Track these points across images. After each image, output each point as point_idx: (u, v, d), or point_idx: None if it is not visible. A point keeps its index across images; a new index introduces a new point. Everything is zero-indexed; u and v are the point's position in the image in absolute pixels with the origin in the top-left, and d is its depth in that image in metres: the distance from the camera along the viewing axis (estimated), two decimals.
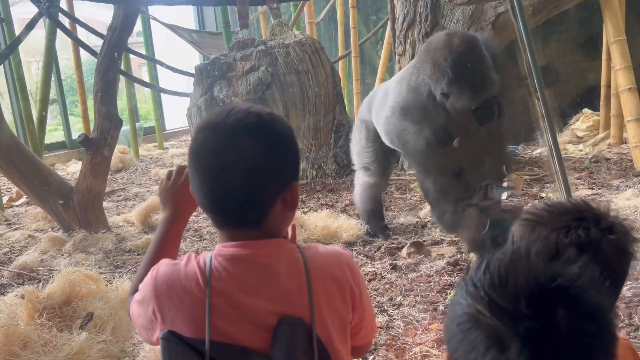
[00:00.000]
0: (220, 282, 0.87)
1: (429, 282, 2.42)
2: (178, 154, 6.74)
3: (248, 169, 0.87)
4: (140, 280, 0.96)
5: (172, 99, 7.23)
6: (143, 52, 6.52)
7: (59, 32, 4.97)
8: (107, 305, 1.95)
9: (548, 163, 4.42)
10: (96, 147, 3.16)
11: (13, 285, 2.73)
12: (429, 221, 3.30)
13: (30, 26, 3.22)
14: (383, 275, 2.53)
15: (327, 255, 0.95)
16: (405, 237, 3.04)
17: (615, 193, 3.49)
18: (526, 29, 1.73)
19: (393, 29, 4.69)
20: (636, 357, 0.95)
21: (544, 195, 3.67)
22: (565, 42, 5.34)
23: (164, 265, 0.92)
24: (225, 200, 0.89)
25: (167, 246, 1.08)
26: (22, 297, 1.88)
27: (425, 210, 3.43)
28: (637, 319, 1.94)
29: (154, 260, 1.00)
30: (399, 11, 4.51)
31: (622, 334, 1.20)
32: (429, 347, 1.88)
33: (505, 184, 2.75)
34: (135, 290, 0.99)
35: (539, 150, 4.96)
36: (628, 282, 2.17)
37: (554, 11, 4.18)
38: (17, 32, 4.79)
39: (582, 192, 3.55)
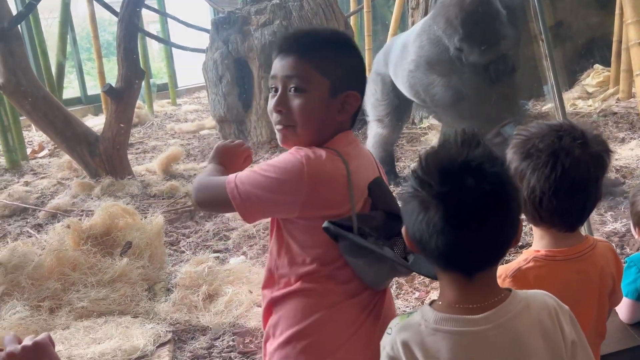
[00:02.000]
0: (351, 163, 1.00)
1: None
2: (191, 110, 6.86)
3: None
4: (208, 184, 1.07)
5: (182, 56, 7.28)
6: (156, 7, 6.55)
7: None
8: (143, 235, 2.12)
9: (554, 116, 4.52)
10: (120, 96, 3.29)
11: (48, 225, 2.92)
12: None
13: None
14: None
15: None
16: None
17: (620, 145, 3.59)
18: None
19: None
20: (616, 257, 1.10)
21: None
22: None
23: (312, 154, 0.98)
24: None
25: None
26: (68, 226, 2.06)
27: None
28: (628, 249, 2.11)
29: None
30: None
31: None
32: None
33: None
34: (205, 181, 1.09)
35: (548, 106, 5.04)
36: (624, 220, 2.32)
37: None
38: None
39: None
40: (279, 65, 1.02)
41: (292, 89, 1.00)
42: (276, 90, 1.02)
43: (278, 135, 1.06)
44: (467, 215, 0.74)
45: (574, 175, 0.99)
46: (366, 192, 1.02)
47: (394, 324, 0.83)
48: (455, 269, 0.79)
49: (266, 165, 1.01)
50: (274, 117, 1.03)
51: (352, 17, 6.05)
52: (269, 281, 1.05)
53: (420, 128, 4.49)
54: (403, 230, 0.83)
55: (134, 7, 3.23)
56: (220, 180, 1.03)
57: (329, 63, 1.01)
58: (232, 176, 1.01)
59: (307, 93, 1.00)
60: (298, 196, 0.96)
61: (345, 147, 1.03)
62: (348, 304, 1.00)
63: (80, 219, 2.66)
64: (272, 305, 1.04)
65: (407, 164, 3.65)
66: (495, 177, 0.76)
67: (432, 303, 0.83)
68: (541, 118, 4.65)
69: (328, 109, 1.02)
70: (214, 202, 1.09)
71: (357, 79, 1.06)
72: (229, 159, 1.16)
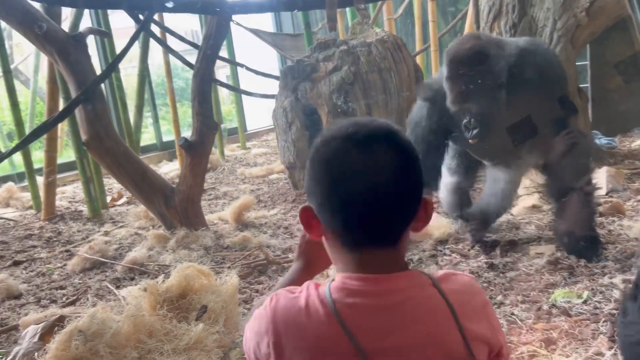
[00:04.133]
0: (353, 325, 0.80)
1: (529, 281, 2.37)
2: (260, 153, 6.97)
3: (394, 180, 0.82)
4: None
5: (250, 100, 7.48)
6: (225, 56, 6.79)
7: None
8: (219, 298, 2.08)
9: None
10: (195, 149, 3.35)
11: (126, 279, 2.97)
12: (522, 219, 3.21)
13: (132, 41, 3.46)
14: (480, 274, 2.50)
15: (464, 288, 0.88)
16: (498, 236, 2.98)
17: None
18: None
19: (477, 21, 4.58)
20: None
21: None
22: None
23: (283, 298, 0.86)
24: (368, 216, 0.82)
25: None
26: (145, 289, 2.05)
27: (519, 207, 3.34)
28: None
29: None
30: (484, 3, 4.40)
31: None
32: (537, 347, 1.85)
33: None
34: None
35: (638, 142, 4.66)
36: None
37: None
38: (114, 42, 5.18)
39: None
40: None
41: None
42: None
43: None
44: None
45: None
46: None
47: None
48: None
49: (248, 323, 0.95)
50: None
51: (418, 57, 5.98)
52: None
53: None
54: None
55: (209, 63, 3.31)
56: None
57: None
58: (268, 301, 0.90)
59: None
60: None
61: (353, 296, 0.82)
62: None
63: (156, 277, 2.68)
64: None
65: None
66: None
67: None
68: (632, 156, 4.31)
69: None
70: None
71: (310, 193, 0.89)
72: (309, 253, 1.07)
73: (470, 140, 2.49)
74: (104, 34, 4.50)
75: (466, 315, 0.84)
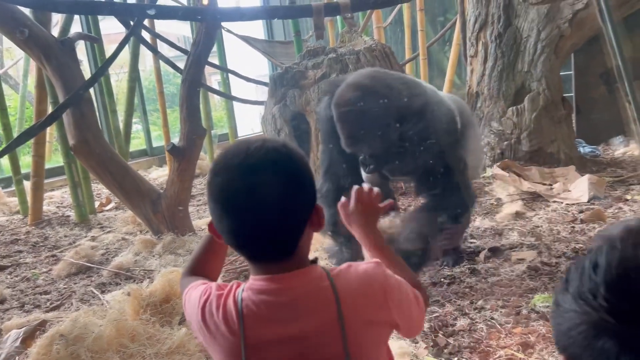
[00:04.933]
0: (251, 318, 0.90)
1: (510, 286, 2.40)
2: None
3: (278, 206, 0.88)
4: (189, 269, 1.16)
5: (240, 107, 7.50)
6: (216, 62, 6.82)
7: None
8: None
9: (634, 164, 4.22)
10: (182, 154, 3.37)
11: (112, 284, 2.97)
12: (505, 225, 3.26)
13: (122, 45, 3.48)
14: (462, 279, 2.54)
15: (358, 280, 0.94)
16: (482, 242, 3.02)
17: None
18: (615, 30, 1.68)
19: (464, 31, 4.65)
20: None
21: (628, 197, 3.51)
22: None
23: (194, 291, 1.01)
24: (259, 238, 0.90)
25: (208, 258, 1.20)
26: (129, 294, 2.06)
27: (502, 214, 3.39)
28: None
29: (199, 257, 1.18)
30: (470, 12, 4.47)
31: None
32: (514, 351, 1.88)
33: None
34: (186, 273, 1.16)
35: (621, 151, 4.74)
36: None
37: (638, 4, 4.00)
38: (104, 48, 5.19)
39: None
40: None
41: None
42: None
43: None
44: None
45: None
46: None
47: None
48: None
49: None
50: None
51: (407, 65, 6.04)
52: None
53: (484, 178, 4.32)
54: None
55: (197, 69, 3.33)
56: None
57: None
58: (185, 292, 1.08)
59: None
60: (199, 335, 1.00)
61: (259, 294, 0.91)
62: None
63: (140, 281, 2.69)
64: None
65: (472, 217, 3.47)
66: None
67: None
68: (615, 165, 4.37)
69: None
70: None
71: (211, 211, 0.95)
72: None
73: (367, 174, 2.48)
74: (93, 39, 4.51)
75: (359, 305, 0.90)
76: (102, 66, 3.72)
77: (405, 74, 2.82)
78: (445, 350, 1.95)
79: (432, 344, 1.99)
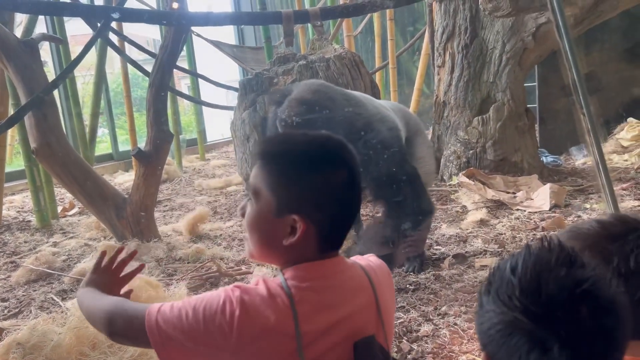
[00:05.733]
0: (304, 306, 0.88)
1: (474, 292, 2.45)
2: (219, 165, 6.93)
3: (359, 190, 0.97)
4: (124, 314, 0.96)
5: (211, 111, 7.46)
6: (186, 66, 6.76)
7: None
8: None
9: (593, 174, 4.37)
10: (148, 159, 3.32)
11: (73, 291, 2.89)
12: (470, 232, 3.32)
13: (87, 48, 3.41)
14: (427, 285, 2.57)
15: (381, 268, 1.05)
16: (447, 249, 3.07)
17: None
18: (571, 46, 1.75)
19: (432, 41, 4.75)
20: None
21: (587, 206, 3.63)
22: (608, 51, 5.27)
23: (248, 296, 0.87)
24: (349, 227, 0.97)
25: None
26: None
27: (467, 222, 3.45)
28: None
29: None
30: (438, 23, 4.57)
31: None
32: (476, 356, 1.92)
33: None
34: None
35: (581, 160, 4.90)
36: None
37: (597, 20, 4.15)
38: (69, 49, 5.08)
39: (628, 204, 3.50)
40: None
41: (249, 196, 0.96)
42: None
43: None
44: None
45: None
46: (345, 345, 0.90)
47: None
48: None
49: (197, 302, 0.88)
50: None
51: (377, 74, 6.12)
52: None
53: (449, 185, 4.40)
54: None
55: (165, 73, 3.30)
56: (139, 311, 0.91)
57: (280, 179, 0.91)
58: (154, 307, 0.90)
59: (255, 205, 0.93)
60: (224, 351, 0.85)
61: (307, 281, 0.90)
62: None
63: None
64: None
65: (437, 225, 3.54)
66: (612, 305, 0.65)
67: None
68: (575, 174, 4.52)
69: (272, 229, 0.92)
70: (129, 338, 0.97)
71: (311, 203, 0.90)
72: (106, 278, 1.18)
73: None
74: (58, 40, 4.41)
75: (386, 293, 1.01)
76: (66, 68, 3.64)
77: (349, 90, 2.84)
78: (409, 356, 1.97)
79: (395, 349, 2.01)
